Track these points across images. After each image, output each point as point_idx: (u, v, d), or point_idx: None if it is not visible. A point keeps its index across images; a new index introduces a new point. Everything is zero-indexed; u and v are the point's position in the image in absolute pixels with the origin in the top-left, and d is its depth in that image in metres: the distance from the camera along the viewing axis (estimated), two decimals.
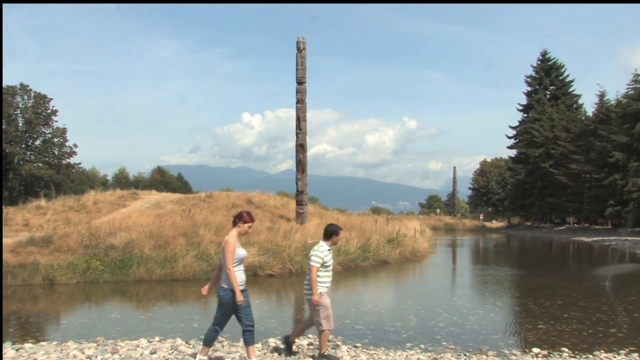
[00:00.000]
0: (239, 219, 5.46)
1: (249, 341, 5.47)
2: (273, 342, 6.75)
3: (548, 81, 53.76)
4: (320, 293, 5.80)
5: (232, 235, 5.37)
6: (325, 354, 5.97)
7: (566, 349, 6.70)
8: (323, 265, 5.80)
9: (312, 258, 5.81)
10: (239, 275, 5.31)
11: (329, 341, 6.92)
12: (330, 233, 5.92)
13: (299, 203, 19.28)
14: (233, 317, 5.45)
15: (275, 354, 6.21)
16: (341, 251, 16.17)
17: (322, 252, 5.82)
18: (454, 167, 75.24)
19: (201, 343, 6.75)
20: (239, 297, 5.19)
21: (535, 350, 6.63)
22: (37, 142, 46.57)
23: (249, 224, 5.47)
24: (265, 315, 9.40)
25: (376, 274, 15.62)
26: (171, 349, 6.36)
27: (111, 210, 21.76)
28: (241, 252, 5.38)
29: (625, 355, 6.46)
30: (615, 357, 6.37)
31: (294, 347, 6.28)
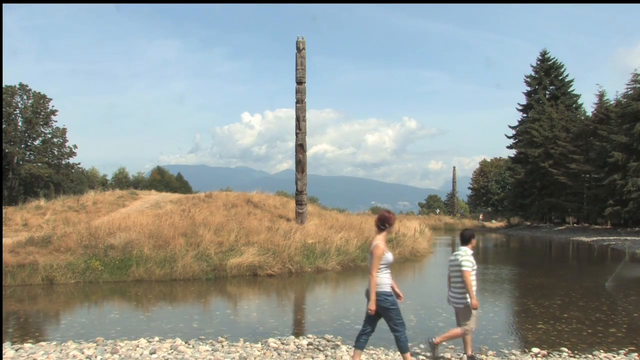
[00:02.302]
0: (387, 223, 5.37)
1: (361, 345, 5.43)
2: (273, 342, 6.75)
3: (548, 81, 53.78)
4: (467, 298, 5.77)
5: (381, 240, 5.30)
6: (473, 355, 5.97)
7: (566, 349, 6.71)
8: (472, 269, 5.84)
9: (464, 263, 5.78)
10: (386, 279, 5.26)
11: (328, 341, 6.92)
12: (468, 238, 6.01)
13: (299, 203, 19.27)
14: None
15: (275, 354, 6.21)
16: (340, 251, 16.18)
17: (470, 256, 5.86)
18: (454, 167, 75.34)
19: (201, 343, 6.76)
20: (372, 306, 5.17)
21: (535, 350, 6.63)
22: (37, 142, 46.57)
23: (393, 225, 5.45)
24: (265, 315, 9.40)
25: None
26: (171, 349, 6.36)
27: (110, 210, 21.75)
28: (389, 256, 5.34)
29: (625, 355, 6.46)
30: (614, 357, 6.36)
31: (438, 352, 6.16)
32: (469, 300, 5.76)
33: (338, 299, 11.70)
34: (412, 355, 6.33)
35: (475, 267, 5.89)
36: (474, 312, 5.84)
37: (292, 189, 21.37)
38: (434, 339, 6.02)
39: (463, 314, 5.88)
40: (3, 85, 42.60)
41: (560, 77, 53.67)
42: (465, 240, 6.03)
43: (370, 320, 5.40)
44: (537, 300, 10.66)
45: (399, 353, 6.38)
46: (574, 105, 52.17)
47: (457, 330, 5.95)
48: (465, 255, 5.86)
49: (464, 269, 5.77)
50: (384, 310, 5.25)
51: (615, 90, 50.74)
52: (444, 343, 6.44)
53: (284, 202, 22.79)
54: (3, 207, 22.88)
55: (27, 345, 6.65)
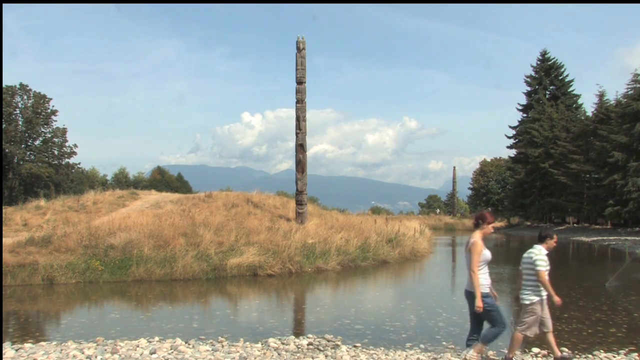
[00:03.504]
0: (482, 220, 5.37)
1: (471, 343, 5.42)
2: (273, 342, 6.75)
3: (548, 81, 53.76)
4: (534, 299, 5.70)
5: (478, 237, 5.28)
6: (513, 358, 5.87)
7: (566, 349, 6.70)
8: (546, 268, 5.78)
9: (538, 262, 5.70)
10: (484, 280, 5.22)
11: (328, 341, 6.92)
12: (544, 237, 5.94)
13: (299, 203, 19.27)
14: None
15: (275, 354, 6.21)
16: (340, 251, 16.18)
17: (544, 255, 5.80)
18: (454, 167, 75.29)
19: (201, 343, 6.76)
20: (479, 303, 5.13)
21: (535, 350, 6.63)
22: (37, 142, 46.58)
23: (493, 224, 5.44)
24: (265, 315, 9.40)
25: (375, 273, 15.62)
26: (171, 349, 6.36)
27: (111, 210, 21.76)
28: (487, 254, 5.31)
29: (625, 355, 6.45)
30: (614, 357, 6.36)
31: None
32: (536, 298, 5.67)
33: (338, 299, 11.70)
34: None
35: (548, 267, 5.79)
36: (535, 317, 5.71)
37: (292, 189, 21.38)
38: (509, 355, 5.87)
39: (525, 311, 5.78)
40: (3, 85, 42.62)
41: (560, 77, 53.65)
42: (541, 239, 5.95)
43: (476, 320, 5.39)
44: None
45: (399, 353, 6.39)
46: (574, 105, 52.14)
47: (518, 335, 5.80)
48: (540, 254, 5.78)
49: (538, 268, 5.67)
50: (483, 312, 5.21)
51: (616, 90, 50.77)
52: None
53: (284, 202, 22.79)
54: (3, 207, 22.87)
55: (27, 345, 6.65)
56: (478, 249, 5.17)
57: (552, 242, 5.94)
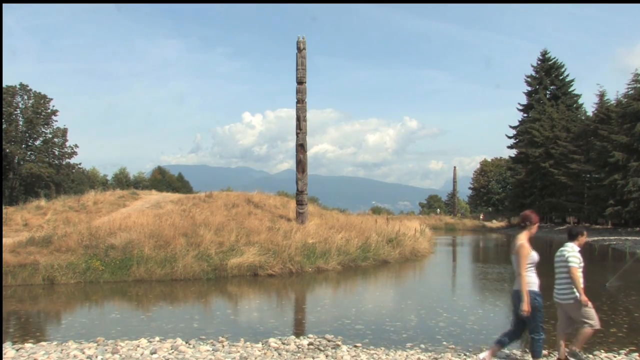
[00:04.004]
0: (529, 221, 5.34)
1: (501, 342, 5.41)
2: (273, 342, 6.75)
3: (548, 81, 53.76)
4: (575, 293, 5.67)
5: (525, 239, 5.25)
6: (579, 352, 5.85)
7: (566, 349, 6.69)
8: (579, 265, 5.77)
9: (571, 259, 5.71)
10: (534, 278, 5.21)
11: (329, 341, 6.92)
12: (575, 234, 5.96)
13: (299, 203, 19.28)
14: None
15: (276, 354, 6.21)
16: (341, 251, 16.17)
17: (577, 252, 5.80)
18: (454, 167, 75.25)
19: (202, 343, 6.76)
20: (526, 306, 5.11)
21: None
22: (38, 142, 46.62)
23: (538, 224, 5.42)
24: (266, 315, 9.40)
25: (376, 273, 15.62)
26: (171, 349, 6.36)
27: (111, 210, 21.76)
28: (535, 255, 5.28)
29: (626, 355, 6.45)
30: (615, 357, 6.36)
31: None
32: (577, 294, 5.65)
33: (339, 299, 11.70)
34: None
35: (582, 264, 5.78)
36: (592, 310, 5.69)
37: (292, 189, 21.39)
38: (574, 348, 5.86)
39: (576, 308, 5.72)
40: (3, 85, 42.65)
41: (560, 77, 53.65)
42: (572, 237, 5.97)
43: (520, 322, 5.35)
44: None
45: (399, 353, 6.38)
46: (574, 105, 52.14)
47: (587, 330, 5.73)
48: (572, 251, 5.79)
49: (571, 264, 5.67)
50: (531, 310, 5.19)
51: (616, 90, 50.77)
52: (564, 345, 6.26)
53: (285, 202, 22.80)
54: (4, 207, 22.88)
55: (27, 345, 6.66)
56: (525, 251, 5.15)
57: (582, 239, 5.97)
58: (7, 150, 42.50)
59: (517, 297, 5.29)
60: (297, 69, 19.66)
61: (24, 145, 45.53)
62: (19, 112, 44.94)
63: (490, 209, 71.89)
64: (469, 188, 78.97)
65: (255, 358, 6.03)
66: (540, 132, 47.31)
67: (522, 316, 5.21)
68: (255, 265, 13.95)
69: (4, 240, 13.56)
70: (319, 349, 6.51)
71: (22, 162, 44.82)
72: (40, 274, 12.25)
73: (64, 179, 47.97)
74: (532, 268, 5.26)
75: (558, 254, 5.92)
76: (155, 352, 6.19)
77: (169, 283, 12.71)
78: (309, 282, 13.83)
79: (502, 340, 5.63)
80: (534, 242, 5.75)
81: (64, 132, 47.29)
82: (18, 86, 45.22)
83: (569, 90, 53.32)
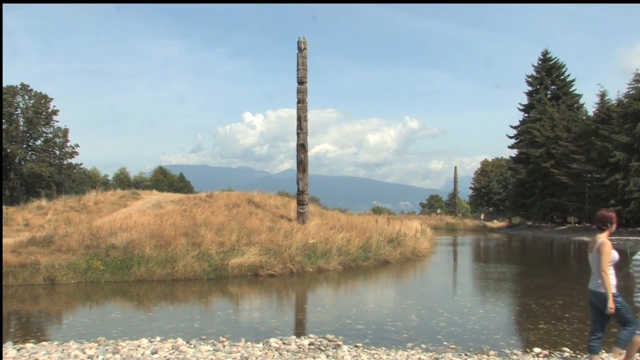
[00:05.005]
0: (609, 222, 5.23)
1: (595, 349, 5.28)
2: (274, 342, 6.75)
3: (549, 81, 53.74)
4: None
5: (605, 237, 5.19)
6: None
7: (567, 349, 6.70)
8: None
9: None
10: (613, 280, 5.14)
11: (329, 341, 6.91)
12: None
13: (300, 203, 19.28)
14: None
15: (277, 354, 6.21)
16: (342, 251, 16.17)
17: None
18: (455, 167, 75.20)
19: (202, 343, 6.77)
20: (612, 304, 5.05)
21: (537, 350, 6.62)
22: (38, 142, 46.63)
23: (614, 223, 5.29)
24: (266, 315, 9.40)
25: (377, 273, 15.62)
26: (172, 349, 6.36)
27: (112, 210, 21.76)
28: (615, 254, 5.21)
29: None
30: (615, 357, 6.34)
31: None
32: None
33: (339, 299, 11.70)
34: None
35: None
36: None
37: (293, 189, 21.36)
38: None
39: None
40: (4, 85, 42.68)
41: (561, 77, 53.62)
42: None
43: (602, 322, 5.28)
44: (538, 300, 10.65)
45: (400, 353, 6.38)
46: (575, 105, 52.11)
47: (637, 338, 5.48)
48: None
49: None
50: (615, 312, 5.13)
51: (617, 90, 50.73)
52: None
53: (285, 202, 22.79)
54: (4, 207, 22.90)
55: (28, 345, 6.66)
56: (607, 249, 5.06)
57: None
58: (8, 150, 42.53)
59: (594, 296, 5.21)
60: (298, 69, 19.66)
61: (24, 145, 45.54)
62: (19, 112, 44.96)
63: (491, 209, 71.85)
64: (470, 188, 78.91)
65: (256, 358, 6.03)
66: (541, 132, 47.29)
67: (608, 314, 5.13)
68: (256, 265, 13.95)
69: (4, 240, 13.57)
70: (319, 349, 6.51)
71: (23, 162, 44.85)
72: (41, 274, 12.25)
73: (64, 179, 47.97)
74: (612, 267, 5.17)
75: (636, 257, 5.69)
76: (156, 352, 6.19)
77: (169, 283, 12.71)
78: (310, 282, 13.83)
79: (594, 347, 5.38)
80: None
81: (64, 132, 47.29)
82: (19, 86, 45.24)
83: (570, 90, 53.29)
